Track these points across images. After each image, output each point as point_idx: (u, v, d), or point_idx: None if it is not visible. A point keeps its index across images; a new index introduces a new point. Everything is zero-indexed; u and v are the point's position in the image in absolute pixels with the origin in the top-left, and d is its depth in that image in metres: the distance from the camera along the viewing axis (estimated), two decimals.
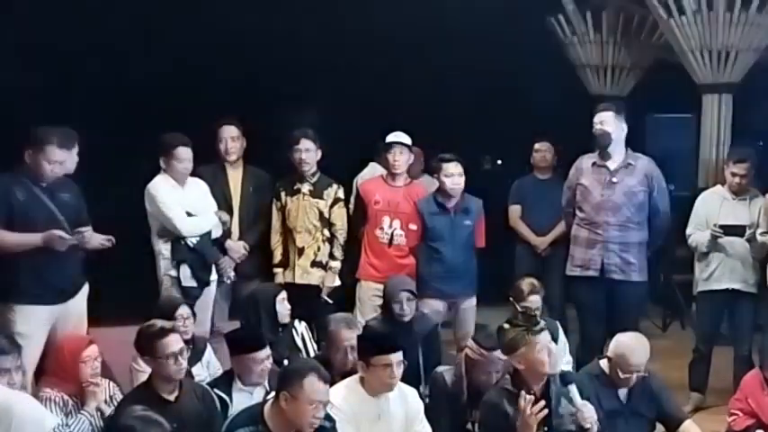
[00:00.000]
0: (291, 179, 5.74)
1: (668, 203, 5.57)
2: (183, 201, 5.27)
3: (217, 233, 5.42)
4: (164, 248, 5.26)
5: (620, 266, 5.39)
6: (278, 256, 5.78)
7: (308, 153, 5.67)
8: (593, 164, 5.50)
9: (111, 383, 4.31)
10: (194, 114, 6.27)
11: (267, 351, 4.20)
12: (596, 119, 5.45)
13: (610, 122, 5.41)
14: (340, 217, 5.72)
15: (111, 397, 4.20)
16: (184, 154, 5.25)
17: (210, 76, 7.58)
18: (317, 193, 5.72)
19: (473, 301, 5.73)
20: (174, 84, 7.26)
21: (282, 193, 5.74)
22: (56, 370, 4.20)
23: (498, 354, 4.20)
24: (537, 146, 6.84)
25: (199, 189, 5.42)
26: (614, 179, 5.41)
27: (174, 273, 5.24)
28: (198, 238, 5.25)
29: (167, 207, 5.20)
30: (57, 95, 6.70)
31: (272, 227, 5.79)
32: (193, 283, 5.22)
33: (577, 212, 5.55)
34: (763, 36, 6.95)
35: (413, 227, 5.71)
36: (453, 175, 5.56)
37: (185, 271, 5.22)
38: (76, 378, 4.08)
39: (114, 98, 7.16)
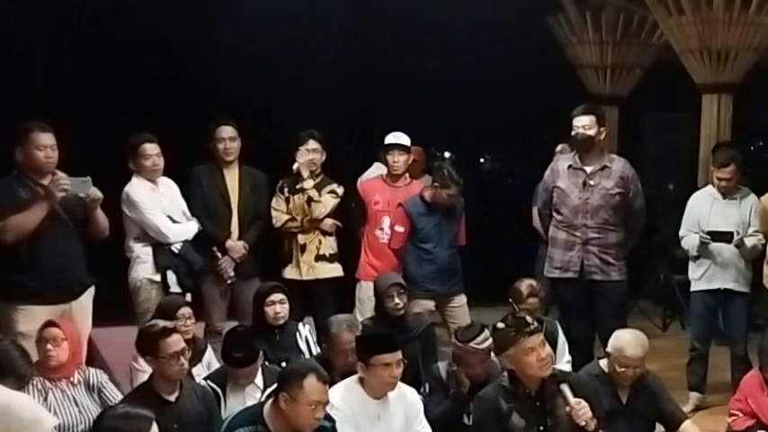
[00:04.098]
0: (295, 178, 5.73)
1: (643, 203, 5.57)
2: (160, 204, 5.23)
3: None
4: (143, 253, 5.19)
5: (600, 267, 5.40)
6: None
7: (315, 153, 5.67)
8: (570, 166, 5.49)
9: (99, 371, 4.27)
10: (189, 113, 6.27)
11: (255, 365, 4.25)
12: (578, 122, 5.40)
13: (592, 126, 5.39)
14: (323, 202, 5.63)
15: (100, 383, 4.17)
16: (150, 149, 5.20)
17: (209, 76, 7.58)
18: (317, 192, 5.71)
19: (463, 298, 5.76)
20: (169, 83, 7.26)
21: (285, 190, 5.73)
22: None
23: (473, 345, 4.29)
24: (559, 147, 6.82)
25: (171, 190, 5.38)
26: (591, 182, 5.39)
27: (156, 278, 5.18)
28: (182, 244, 5.23)
29: (151, 213, 5.16)
30: (54, 98, 6.70)
31: (277, 218, 5.70)
32: (179, 290, 5.16)
33: (555, 215, 5.55)
34: (763, 36, 6.95)
35: (399, 229, 5.68)
36: (453, 196, 5.60)
37: (172, 277, 5.18)
38: (42, 361, 4.06)
39: (110, 99, 7.16)
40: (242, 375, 4.23)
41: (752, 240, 5.53)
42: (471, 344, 4.31)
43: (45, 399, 4.00)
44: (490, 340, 4.13)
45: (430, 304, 5.64)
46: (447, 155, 9.58)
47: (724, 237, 5.48)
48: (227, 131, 5.59)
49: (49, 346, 4.08)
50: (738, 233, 5.49)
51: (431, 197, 5.65)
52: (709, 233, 5.51)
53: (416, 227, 5.65)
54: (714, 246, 5.57)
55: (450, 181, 5.55)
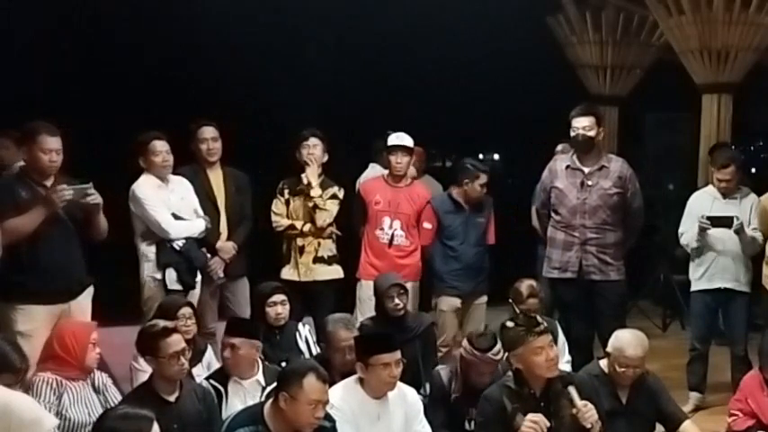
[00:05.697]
0: (296, 179, 5.72)
1: (642, 203, 5.58)
2: (167, 201, 5.21)
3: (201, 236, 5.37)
4: (148, 251, 5.18)
5: (598, 267, 5.41)
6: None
7: (316, 148, 5.66)
8: (567, 166, 5.49)
9: (104, 374, 4.26)
10: (189, 113, 6.26)
11: (256, 343, 4.25)
12: (577, 123, 5.39)
13: (592, 127, 5.38)
14: (329, 210, 5.64)
15: (104, 385, 4.18)
16: (160, 146, 5.19)
17: (209, 76, 7.58)
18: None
19: (485, 298, 5.83)
20: (169, 83, 7.27)
21: (286, 192, 5.74)
22: (56, 357, 4.10)
23: (490, 355, 4.27)
24: (559, 147, 6.82)
25: (183, 188, 5.36)
26: (589, 182, 5.40)
27: (159, 276, 5.15)
28: (184, 241, 5.20)
29: (153, 209, 5.13)
30: (54, 98, 6.71)
31: (277, 222, 5.71)
32: (179, 287, 5.14)
33: (553, 215, 5.56)
34: (763, 36, 6.95)
35: (427, 225, 5.76)
36: (485, 185, 5.65)
37: (171, 274, 5.14)
38: (82, 362, 4.06)
39: (110, 99, 7.17)
40: (242, 353, 4.16)
41: (752, 233, 5.53)
42: (489, 354, 4.29)
43: (59, 399, 3.99)
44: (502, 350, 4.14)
45: (456, 302, 5.72)
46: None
47: (724, 221, 5.46)
48: (209, 132, 5.55)
49: (98, 349, 4.13)
50: (738, 218, 5.47)
51: (461, 195, 5.71)
52: (708, 218, 5.50)
53: (443, 224, 5.74)
54: (714, 238, 5.57)
55: (477, 170, 5.61)
